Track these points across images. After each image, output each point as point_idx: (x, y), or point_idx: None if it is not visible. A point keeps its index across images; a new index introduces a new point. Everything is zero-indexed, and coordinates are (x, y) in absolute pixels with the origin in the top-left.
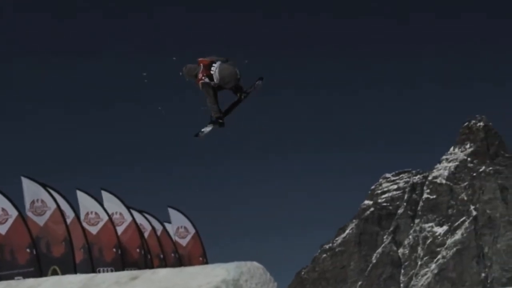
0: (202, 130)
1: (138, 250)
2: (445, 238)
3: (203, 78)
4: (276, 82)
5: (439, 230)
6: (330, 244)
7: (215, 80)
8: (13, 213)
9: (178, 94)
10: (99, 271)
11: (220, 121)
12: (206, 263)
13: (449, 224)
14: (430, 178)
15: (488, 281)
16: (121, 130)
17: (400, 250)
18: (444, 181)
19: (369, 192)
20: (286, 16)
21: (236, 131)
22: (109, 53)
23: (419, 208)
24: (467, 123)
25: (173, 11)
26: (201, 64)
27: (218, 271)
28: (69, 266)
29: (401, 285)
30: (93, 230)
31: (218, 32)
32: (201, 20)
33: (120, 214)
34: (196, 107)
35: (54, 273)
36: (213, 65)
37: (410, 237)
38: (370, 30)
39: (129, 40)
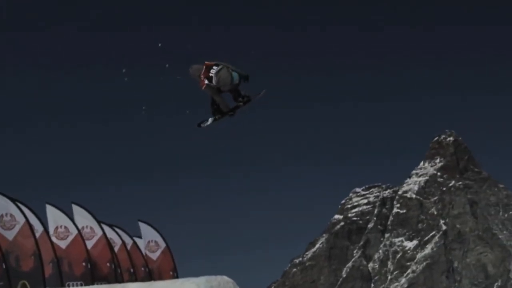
0: (205, 121)
1: (108, 264)
2: (415, 252)
3: (204, 80)
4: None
5: (409, 244)
6: (300, 259)
7: (213, 82)
8: None
9: (149, 111)
10: (68, 286)
11: (231, 113)
12: (177, 277)
13: (419, 238)
14: (400, 192)
15: None
16: (93, 144)
17: (370, 265)
18: (414, 196)
19: (339, 206)
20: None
21: (207, 147)
22: (80, 71)
23: (389, 222)
24: (437, 138)
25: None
26: (204, 66)
27: (188, 286)
28: (38, 281)
29: None
30: (63, 244)
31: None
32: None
33: (91, 228)
34: (165, 125)
35: (24, 287)
36: (214, 67)
37: (380, 251)
38: (340, 42)
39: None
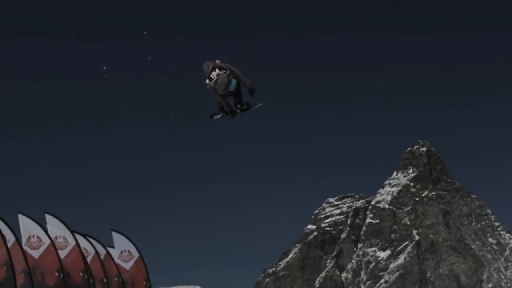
0: (216, 114)
1: (81, 274)
2: (388, 262)
3: (206, 80)
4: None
5: (382, 254)
6: (274, 268)
7: (211, 84)
8: None
9: (125, 123)
10: None
11: (231, 114)
12: (150, 287)
13: (392, 248)
14: (373, 202)
15: None
16: (66, 154)
17: (343, 275)
18: (387, 206)
19: (313, 216)
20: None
21: (181, 159)
22: (53, 81)
23: (362, 232)
24: (410, 148)
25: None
26: (212, 66)
27: None
28: None
29: None
30: (35, 254)
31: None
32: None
33: (64, 238)
34: (140, 137)
35: None
36: (217, 70)
37: (353, 261)
38: (310, 51)
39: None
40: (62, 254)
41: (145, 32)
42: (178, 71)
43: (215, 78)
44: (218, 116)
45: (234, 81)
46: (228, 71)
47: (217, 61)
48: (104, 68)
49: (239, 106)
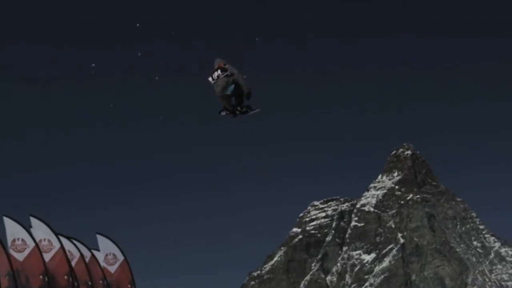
0: (223, 111)
1: (66, 277)
2: (373, 265)
3: (209, 77)
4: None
5: (367, 257)
6: (259, 271)
7: (212, 83)
8: None
9: (108, 129)
10: None
11: (232, 114)
12: None
13: (377, 251)
14: (358, 206)
15: None
16: (51, 158)
17: (328, 278)
18: (372, 209)
19: (298, 219)
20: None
21: (165, 164)
22: (42, 86)
23: (347, 235)
24: (394, 152)
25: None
26: (217, 65)
27: None
28: None
29: None
30: (20, 257)
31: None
32: None
33: (49, 241)
34: (125, 142)
35: None
36: (219, 71)
37: (338, 264)
38: (291, 55)
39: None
40: (47, 257)
41: (138, 54)
42: (168, 73)
43: (216, 80)
44: (224, 114)
45: (232, 87)
46: (229, 74)
47: (222, 62)
48: (93, 65)
49: (238, 108)
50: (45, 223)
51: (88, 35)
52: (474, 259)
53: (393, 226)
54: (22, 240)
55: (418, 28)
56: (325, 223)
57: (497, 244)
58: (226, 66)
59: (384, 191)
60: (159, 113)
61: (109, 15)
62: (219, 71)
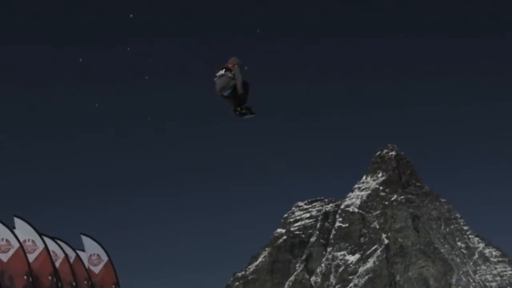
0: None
1: (50, 277)
2: (357, 266)
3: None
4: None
5: (351, 258)
6: (243, 272)
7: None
8: None
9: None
10: None
11: (236, 112)
12: None
13: (361, 252)
14: (342, 206)
15: None
16: (36, 158)
17: (313, 278)
18: (356, 210)
19: (282, 220)
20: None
21: (152, 165)
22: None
23: (331, 236)
24: (379, 152)
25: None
26: (227, 64)
27: None
28: None
29: None
30: (4, 257)
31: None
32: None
33: (33, 241)
34: (108, 144)
35: None
36: (223, 71)
37: (323, 265)
38: (274, 56)
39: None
40: (31, 257)
41: (128, 49)
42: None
43: (217, 79)
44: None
45: (229, 90)
46: (231, 76)
47: (233, 63)
48: (80, 59)
49: (238, 109)
50: (29, 224)
51: (86, 35)
52: (458, 260)
53: (377, 226)
54: (6, 240)
55: (399, 28)
56: (309, 224)
57: (481, 245)
58: (234, 67)
59: (369, 192)
60: (148, 115)
61: (109, 15)
62: (223, 70)
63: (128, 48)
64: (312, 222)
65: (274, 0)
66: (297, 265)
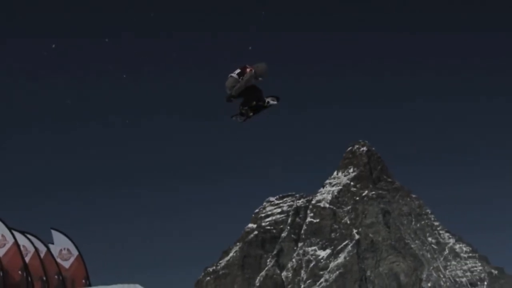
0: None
1: (19, 272)
2: (328, 261)
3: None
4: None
5: (322, 253)
6: (214, 267)
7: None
8: None
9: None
10: None
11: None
12: (89, 285)
13: (332, 247)
14: (313, 202)
15: None
16: (5, 153)
17: (284, 273)
18: (327, 205)
19: (253, 215)
20: None
21: (121, 161)
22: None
23: (302, 231)
24: (350, 148)
25: None
26: (246, 67)
27: None
28: None
29: None
30: None
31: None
32: None
33: (2, 235)
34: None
35: None
36: (237, 72)
37: (294, 260)
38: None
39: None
40: (1, 252)
41: (107, 40)
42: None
43: (230, 76)
44: (253, 104)
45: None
46: (239, 81)
47: (250, 68)
48: (53, 45)
49: (240, 107)
50: None
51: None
52: (428, 255)
53: (348, 222)
54: None
55: (374, 25)
56: (280, 219)
57: (452, 241)
58: (247, 72)
59: (340, 187)
60: (113, 111)
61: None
62: (237, 72)
63: (107, 40)
64: (283, 217)
65: None
66: (268, 260)
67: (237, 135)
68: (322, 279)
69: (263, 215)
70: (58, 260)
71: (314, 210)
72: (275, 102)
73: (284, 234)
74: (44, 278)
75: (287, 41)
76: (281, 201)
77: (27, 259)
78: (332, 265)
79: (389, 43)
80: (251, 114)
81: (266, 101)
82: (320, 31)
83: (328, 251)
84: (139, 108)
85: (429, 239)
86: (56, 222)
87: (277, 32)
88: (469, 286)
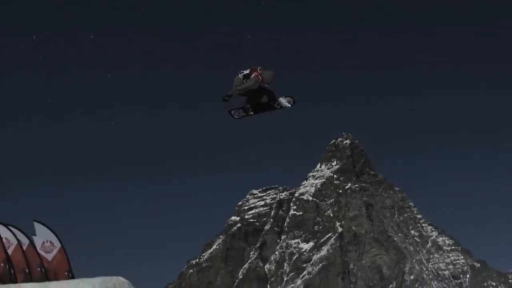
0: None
1: (2, 264)
2: (311, 254)
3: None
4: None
5: (305, 246)
6: (197, 260)
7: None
8: None
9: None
10: None
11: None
12: (72, 277)
13: (315, 240)
14: (296, 194)
15: None
16: None
17: (267, 266)
18: (310, 198)
19: (236, 208)
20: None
21: (105, 155)
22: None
23: (285, 224)
24: (333, 141)
25: None
26: (256, 69)
27: (84, 286)
28: None
29: None
30: None
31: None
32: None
33: None
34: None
35: None
36: (245, 72)
37: (277, 253)
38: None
39: None
40: None
41: (92, 37)
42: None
43: (238, 75)
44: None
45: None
46: (243, 82)
47: (258, 71)
48: (34, 37)
49: (244, 103)
50: None
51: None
52: (411, 248)
53: (331, 215)
54: None
55: (360, 19)
56: (263, 212)
57: (434, 233)
58: (253, 76)
59: (323, 180)
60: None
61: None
62: (244, 73)
63: (92, 36)
64: (266, 210)
65: None
66: (251, 253)
67: (220, 129)
68: (305, 272)
69: (246, 207)
70: (41, 252)
71: (297, 203)
72: (289, 105)
73: (267, 227)
74: (27, 270)
75: (265, 35)
76: (264, 194)
77: (9, 251)
78: (315, 257)
79: (370, 37)
80: (251, 113)
81: (278, 101)
82: (300, 25)
83: (311, 243)
84: (120, 102)
85: (412, 232)
86: (39, 215)
87: (251, 26)
88: (451, 278)
